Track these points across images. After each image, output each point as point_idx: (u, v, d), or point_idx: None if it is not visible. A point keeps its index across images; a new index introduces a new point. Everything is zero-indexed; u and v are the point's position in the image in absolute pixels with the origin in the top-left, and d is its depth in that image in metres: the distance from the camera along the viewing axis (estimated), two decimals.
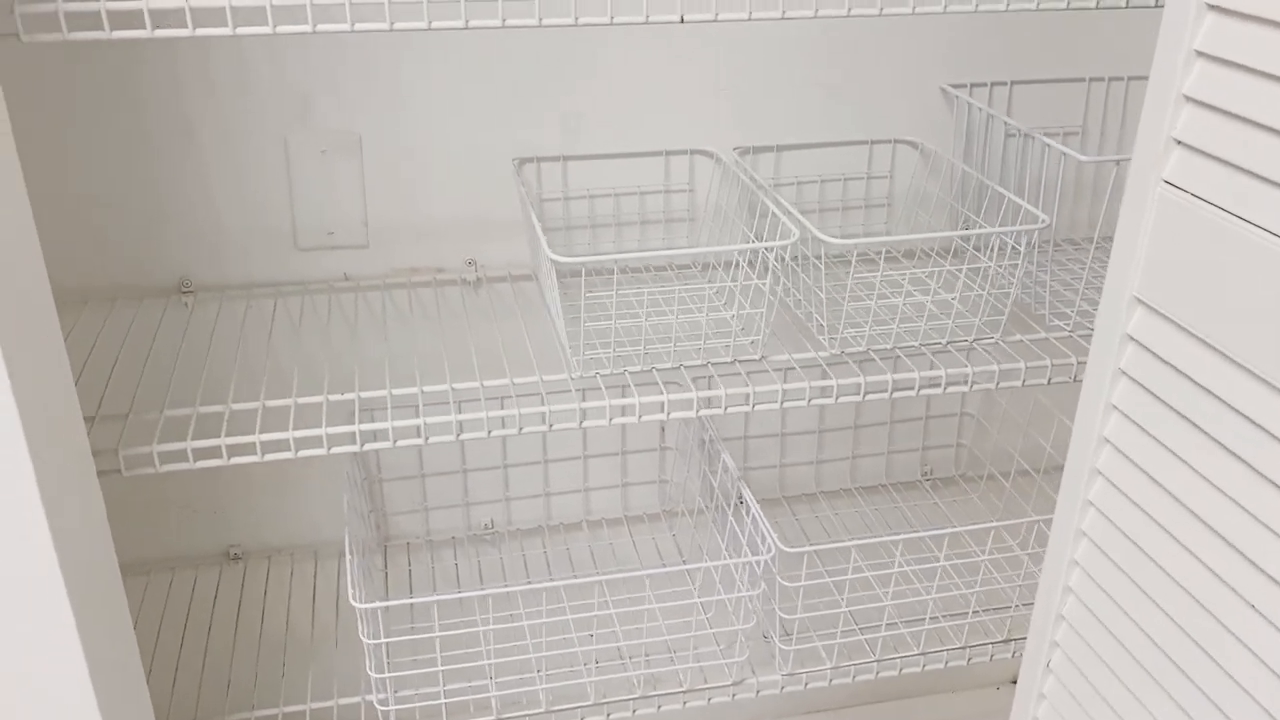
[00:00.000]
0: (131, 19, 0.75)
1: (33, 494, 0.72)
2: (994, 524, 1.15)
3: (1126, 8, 0.90)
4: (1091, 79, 1.26)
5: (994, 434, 1.45)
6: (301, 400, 0.98)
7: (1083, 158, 1.05)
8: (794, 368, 1.05)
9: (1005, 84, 1.25)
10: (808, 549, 1.08)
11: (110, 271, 1.14)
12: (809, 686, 1.17)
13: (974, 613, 1.20)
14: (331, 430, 0.94)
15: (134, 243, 1.13)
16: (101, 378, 1.00)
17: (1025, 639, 0.98)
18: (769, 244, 0.98)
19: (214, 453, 0.91)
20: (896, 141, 1.27)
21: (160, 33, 0.75)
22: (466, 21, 0.79)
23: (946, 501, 1.45)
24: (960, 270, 1.08)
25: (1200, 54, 0.71)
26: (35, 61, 1.04)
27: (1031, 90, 1.26)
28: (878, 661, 1.18)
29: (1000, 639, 1.21)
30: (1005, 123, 1.17)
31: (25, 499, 0.72)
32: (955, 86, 1.24)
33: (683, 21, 0.83)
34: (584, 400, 0.99)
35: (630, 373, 1.02)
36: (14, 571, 0.74)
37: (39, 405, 0.73)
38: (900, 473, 1.48)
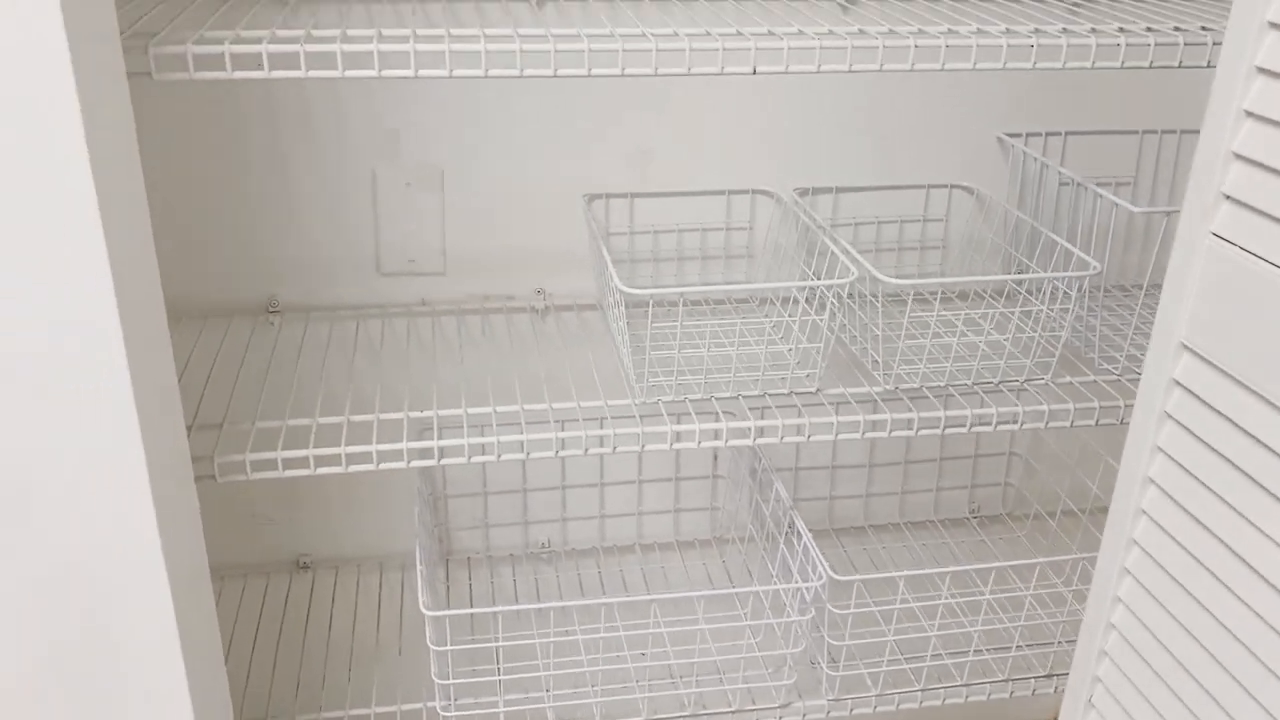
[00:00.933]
0: (250, 61, 0.82)
1: (145, 493, 0.78)
2: (1039, 560, 1.18)
3: (1179, 67, 0.94)
4: (1144, 132, 1.30)
5: (1041, 474, 1.47)
6: (383, 416, 1.03)
7: (1134, 208, 1.08)
8: (848, 401, 1.09)
9: (1059, 134, 1.29)
10: (858, 578, 1.11)
11: (202, 290, 1.21)
12: (854, 712, 1.20)
13: (1017, 647, 1.22)
14: (412, 445, 1.00)
15: (226, 264, 1.20)
16: (195, 390, 1.07)
17: (1067, 674, 1.00)
18: (829, 282, 1.02)
19: (302, 463, 0.97)
20: (953, 187, 1.31)
21: (276, 73, 0.82)
22: (555, 70, 0.85)
23: (993, 539, 1.48)
24: (1013, 313, 1.12)
25: (1249, 114, 0.74)
26: (148, 96, 1.11)
27: (1085, 141, 1.29)
28: (922, 691, 1.21)
29: (1043, 673, 1.24)
30: (1059, 172, 1.21)
31: (139, 498, 0.78)
32: (1011, 136, 1.28)
33: (755, 73, 0.88)
34: (645, 425, 1.04)
35: (690, 400, 1.07)
36: (123, 564, 0.81)
37: (154, 412, 0.79)
38: (948, 509, 1.50)
